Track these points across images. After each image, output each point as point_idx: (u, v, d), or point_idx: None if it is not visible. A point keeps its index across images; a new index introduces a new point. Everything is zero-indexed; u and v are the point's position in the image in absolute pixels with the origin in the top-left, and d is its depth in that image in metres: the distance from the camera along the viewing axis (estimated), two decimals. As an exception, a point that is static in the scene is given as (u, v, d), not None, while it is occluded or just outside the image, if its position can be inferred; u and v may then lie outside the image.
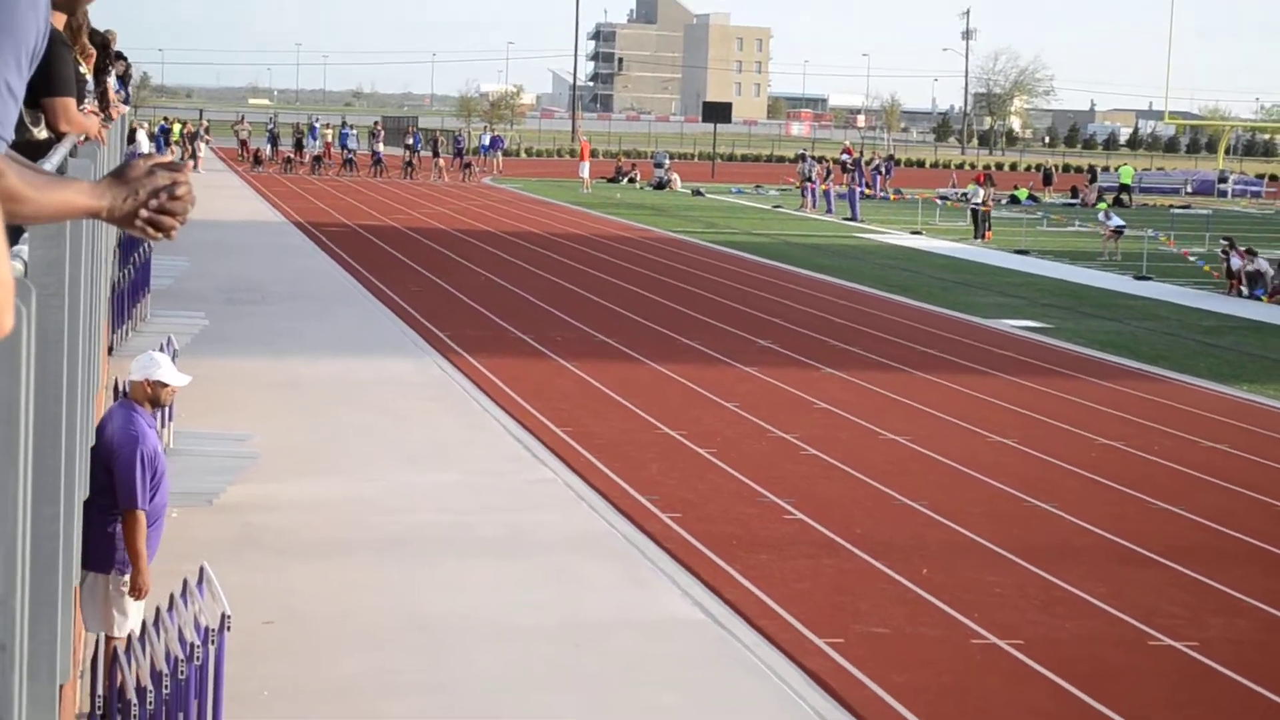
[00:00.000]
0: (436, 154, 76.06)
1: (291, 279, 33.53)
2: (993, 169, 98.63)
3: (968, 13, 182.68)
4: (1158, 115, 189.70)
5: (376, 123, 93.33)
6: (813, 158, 74.11)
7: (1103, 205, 58.87)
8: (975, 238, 52.05)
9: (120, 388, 10.09)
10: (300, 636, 11.76)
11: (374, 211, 53.01)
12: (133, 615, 9.59)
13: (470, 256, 39.62)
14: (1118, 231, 46.70)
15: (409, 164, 75.83)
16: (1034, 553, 14.55)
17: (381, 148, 78.00)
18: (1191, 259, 42.92)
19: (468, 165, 76.06)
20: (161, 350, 12.59)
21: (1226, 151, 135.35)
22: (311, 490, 16.02)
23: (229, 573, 11.12)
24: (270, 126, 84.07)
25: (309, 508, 15.32)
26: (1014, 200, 70.66)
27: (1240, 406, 22.99)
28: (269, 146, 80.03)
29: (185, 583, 9.60)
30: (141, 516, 9.41)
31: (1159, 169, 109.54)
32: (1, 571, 3.47)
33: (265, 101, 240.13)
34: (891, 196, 73.69)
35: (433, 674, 11.11)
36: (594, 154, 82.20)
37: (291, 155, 77.78)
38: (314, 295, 31.13)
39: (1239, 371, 26.18)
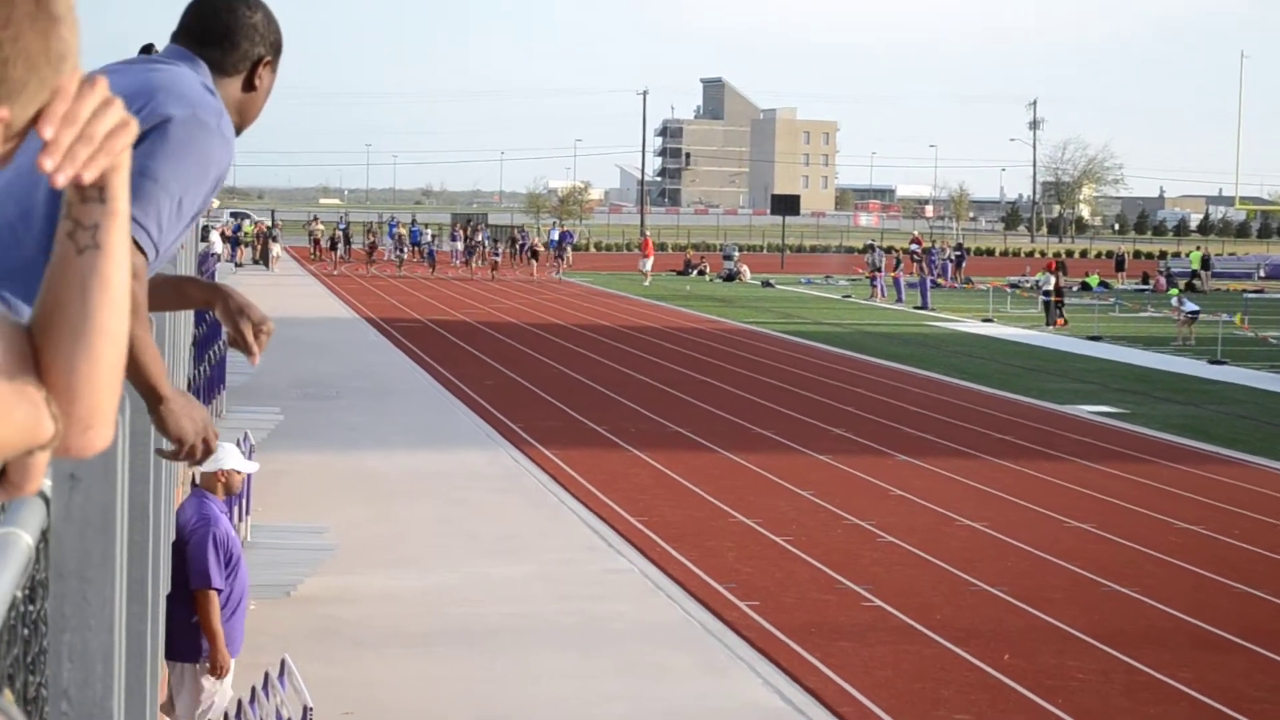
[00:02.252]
0: (514, 251, 77.14)
1: (365, 374, 33.71)
2: (1063, 256, 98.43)
3: (1035, 103, 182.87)
4: (1228, 201, 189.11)
5: (461, 225, 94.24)
6: (881, 248, 74.24)
7: (1174, 291, 58.57)
8: (1047, 324, 51.90)
9: (192, 479, 10.22)
10: (380, 727, 11.75)
11: (445, 307, 53.31)
12: (219, 703, 9.63)
13: (542, 349, 39.75)
14: (1192, 316, 46.46)
15: (473, 256, 76.79)
16: (1116, 637, 14.41)
17: (459, 245, 79.12)
18: (1274, 341, 42.65)
19: (534, 254, 76.32)
20: (238, 445, 12.69)
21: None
22: (388, 582, 16.04)
23: (308, 664, 11.13)
24: (342, 225, 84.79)
25: (386, 599, 15.34)
26: (1085, 287, 70.43)
27: (1321, 489, 22.75)
28: (350, 243, 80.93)
29: (266, 675, 9.63)
30: (214, 596, 9.50)
31: (1230, 254, 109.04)
32: (100, 674, 3.50)
33: (336, 201, 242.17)
34: (965, 286, 73.56)
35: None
36: (661, 248, 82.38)
37: (371, 251, 78.26)
38: (388, 389, 31.28)
39: (1318, 454, 25.94)
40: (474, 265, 75.69)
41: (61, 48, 1.95)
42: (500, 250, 74.88)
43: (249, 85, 4.11)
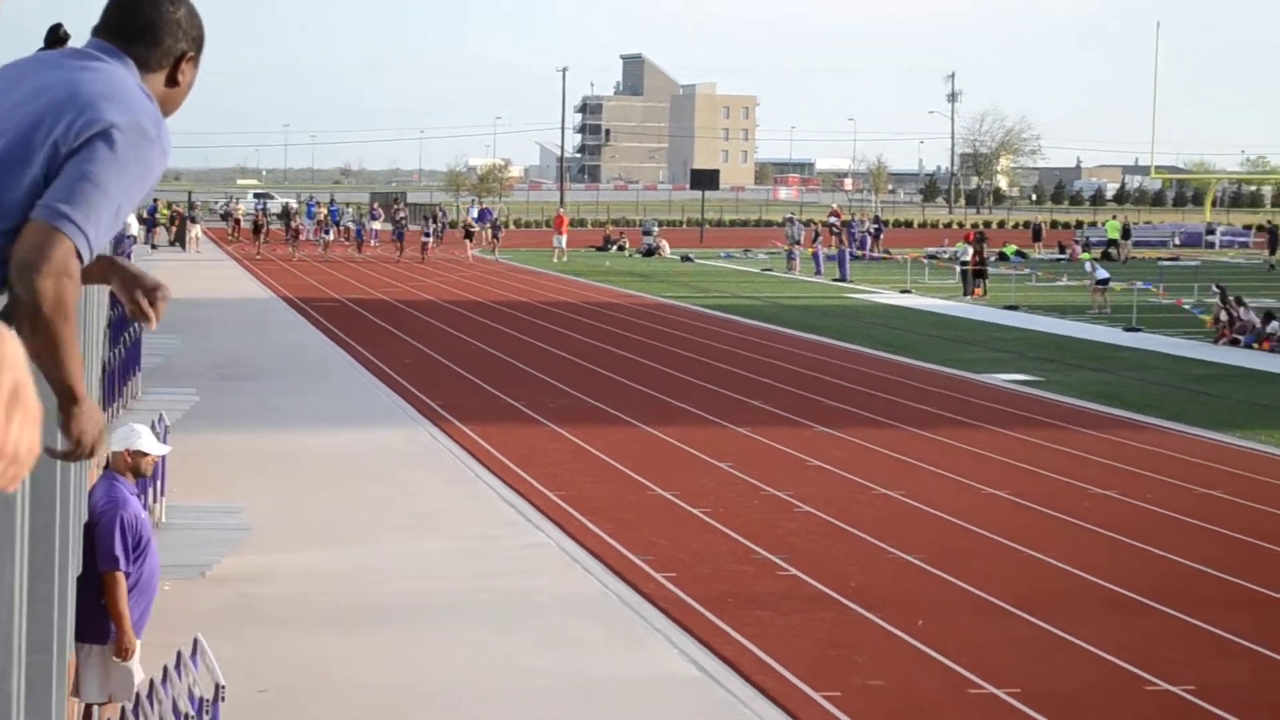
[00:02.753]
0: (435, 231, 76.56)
1: (282, 354, 33.57)
2: (981, 227, 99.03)
3: (953, 75, 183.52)
4: (1144, 171, 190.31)
5: (382, 204, 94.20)
6: (799, 220, 74.44)
7: (1086, 256, 58.95)
8: (965, 295, 52.20)
9: (106, 462, 10.16)
10: (296, 705, 11.73)
11: (363, 285, 53.10)
12: (129, 684, 9.59)
13: (460, 326, 39.67)
14: (1103, 284, 46.79)
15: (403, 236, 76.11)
16: (1030, 602, 14.53)
17: (377, 225, 78.70)
18: (1186, 307, 43.06)
19: (468, 234, 74.71)
20: (152, 427, 12.62)
21: (1213, 204, 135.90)
22: (305, 561, 16.00)
23: (223, 644, 11.09)
24: (258, 205, 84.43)
25: (303, 578, 15.30)
26: (1003, 257, 70.76)
27: (1232, 452, 23.01)
28: (278, 223, 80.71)
29: (179, 654, 9.57)
30: (121, 578, 9.46)
31: (1146, 223, 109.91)
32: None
33: (254, 181, 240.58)
34: (884, 257, 73.97)
35: (429, 738, 11.06)
36: (581, 224, 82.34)
37: (292, 232, 77.63)
38: (305, 369, 31.18)
39: (1230, 418, 26.21)
40: (403, 245, 75.03)
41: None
42: (432, 230, 73.79)
43: (171, 81, 4.10)
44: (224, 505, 17.87)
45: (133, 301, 4.07)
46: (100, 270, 4.20)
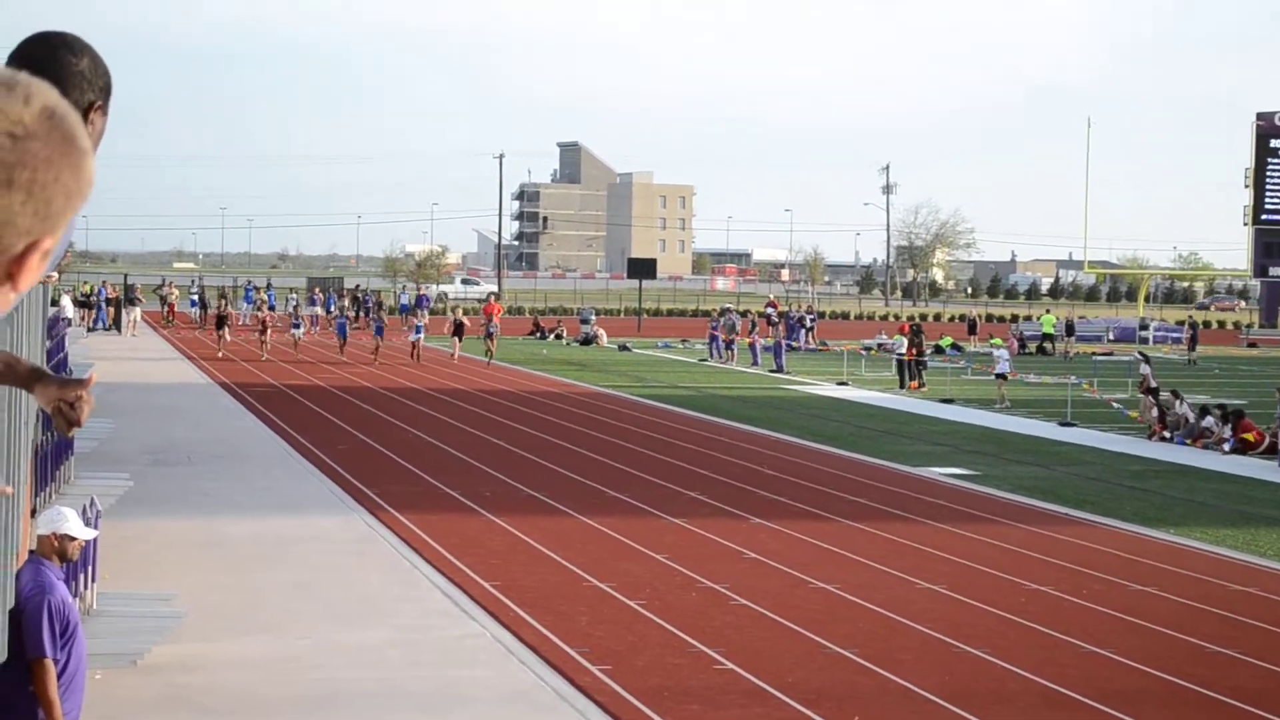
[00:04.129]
0: (362, 314, 76.65)
1: (217, 439, 33.40)
2: (917, 319, 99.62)
3: (887, 168, 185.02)
4: (1077, 265, 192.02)
5: (316, 288, 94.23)
6: (736, 311, 74.73)
7: (996, 341, 59.16)
8: (901, 387, 52.43)
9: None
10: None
11: (300, 371, 52.93)
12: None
13: (397, 414, 39.58)
14: (1001, 376, 46.83)
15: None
16: (966, 699, 14.52)
17: (319, 310, 78.78)
18: (1115, 406, 43.34)
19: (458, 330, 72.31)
20: (82, 512, 12.52)
21: (1146, 299, 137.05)
22: (238, 649, 15.86)
23: (154, 733, 10.97)
24: (194, 290, 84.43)
25: (236, 667, 15.17)
26: (938, 350, 71.21)
27: (1167, 549, 23.11)
28: (199, 309, 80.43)
29: (109, 744, 9.48)
30: (50, 665, 9.33)
31: (1081, 317, 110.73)
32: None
33: (190, 265, 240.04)
34: (820, 349, 74.36)
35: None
36: (519, 312, 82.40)
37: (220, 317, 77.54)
38: (240, 455, 31.02)
39: (1165, 514, 26.36)
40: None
41: (89, 176, 2.22)
42: (380, 317, 72.65)
43: None
44: (156, 592, 17.72)
45: (55, 407, 4.02)
46: (26, 373, 4.14)
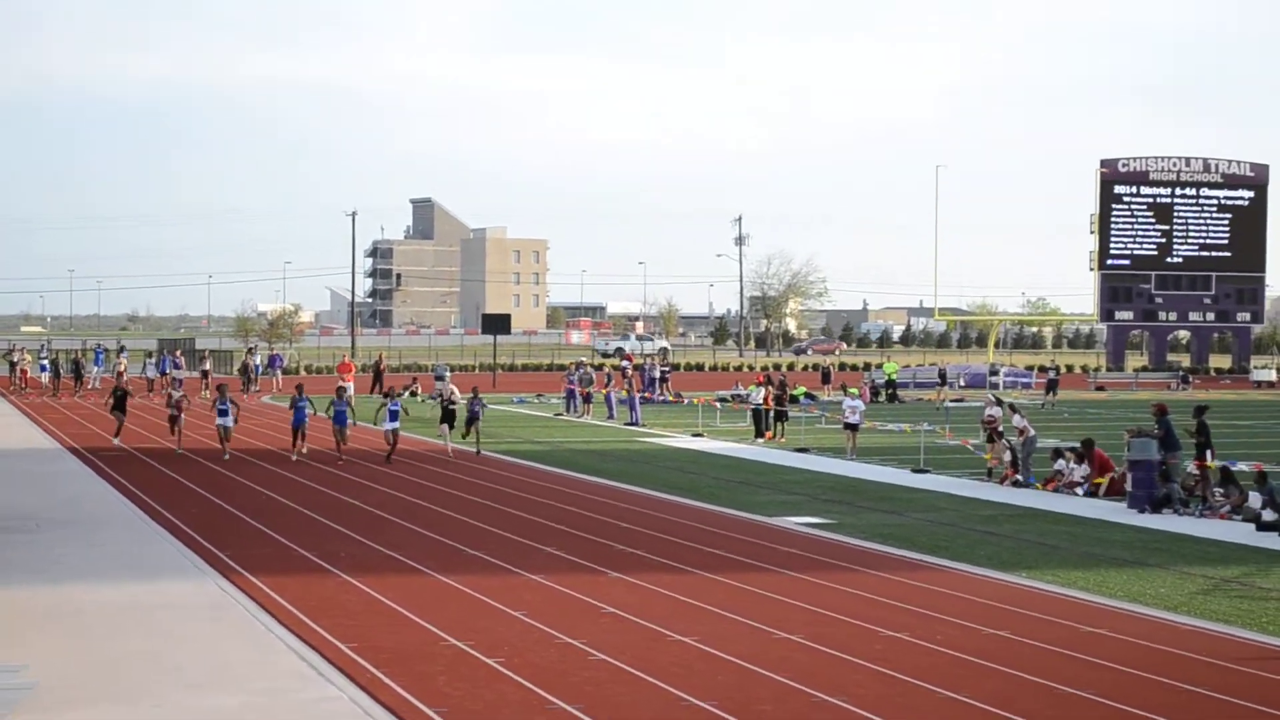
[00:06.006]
0: (205, 374, 76.51)
1: (66, 505, 32.92)
2: (770, 370, 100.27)
3: (739, 219, 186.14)
4: (928, 312, 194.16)
5: (177, 350, 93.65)
6: (590, 365, 74.87)
7: (853, 391, 59.67)
8: (756, 438, 52.69)
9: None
10: None
11: (151, 434, 52.27)
12: None
13: (250, 475, 39.20)
14: (852, 428, 46.95)
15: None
16: (824, 747, 14.57)
17: (182, 373, 78.37)
18: (970, 448, 43.80)
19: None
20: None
21: (996, 345, 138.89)
22: (89, 718, 15.59)
23: (2, 809, 10.76)
24: (44, 355, 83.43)
25: (87, 738, 14.91)
26: (792, 400, 71.66)
27: (1019, 593, 23.36)
28: (51, 373, 79.59)
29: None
30: None
31: (931, 364, 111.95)
32: None
33: (38, 329, 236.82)
34: (671, 399, 74.65)
35: None
36: (374, 369, 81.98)
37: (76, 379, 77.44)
38: (89, 520, 30.58)
39: (1017, 559, 26.64)
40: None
41: None
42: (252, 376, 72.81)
43: None
44: (5, 664, 17.41)
45: None
46: None
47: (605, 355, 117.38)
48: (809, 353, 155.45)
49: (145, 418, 60.40)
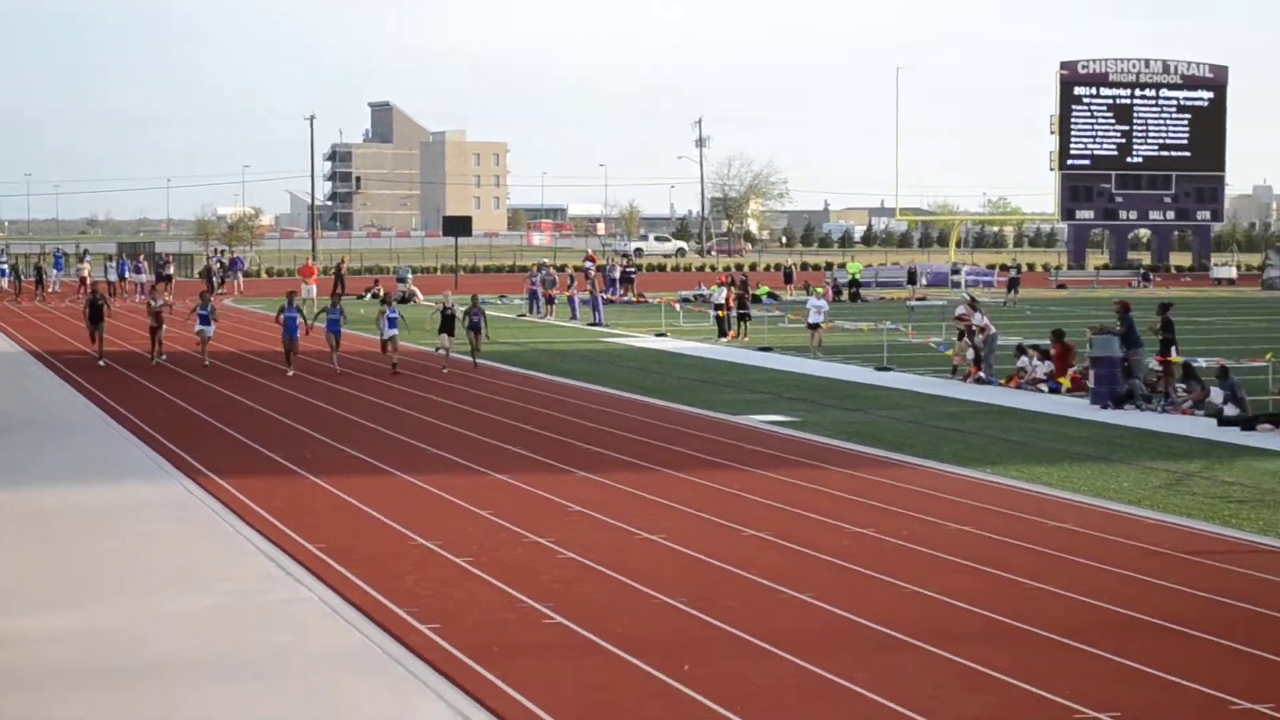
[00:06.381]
0: (160, 278, 76.33)
1: (30, 408, 32.82)
2: (733, 270, 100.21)
3: (700, 121, 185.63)
4: (889, 213, 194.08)
5: (139, 255, 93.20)
6: (551, 266, 74.72)
7: (818, 290, 59.63)
8: (719, 337, 52.72)
9: None
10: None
11: (113, 338, 52.01)
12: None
13: (213, 378, 39.07)
14: (813, 326, 47.02)
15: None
16: (792, 642, 14.65)
17: (142, 277, 77.98)
18: (933, 345, 43.93)
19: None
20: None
21: (957, 244, 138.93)
22: (57, 622, 15.59)
23: (-25, 710, 10.77)
24: (3, 259, 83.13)
25: (55, 640, 14.91)
26: (755, 299, 71.69)
27: (984, 488, 23.47)
28: (12, 278, 79.46)
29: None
30: None
31: (894, 264, 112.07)
32: None
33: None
34: (635, 299, 74.62)
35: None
36: (335, 272, 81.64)
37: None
38: (53, 424, 30.50)
39: (981, 454, 26.75)
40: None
41: None
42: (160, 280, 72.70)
43: None
44: (-28, 567, 17.37)
45: None
46: None
47: (624, 255, 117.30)
48: (713, 254, 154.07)
49: (111, 323, 60.05)
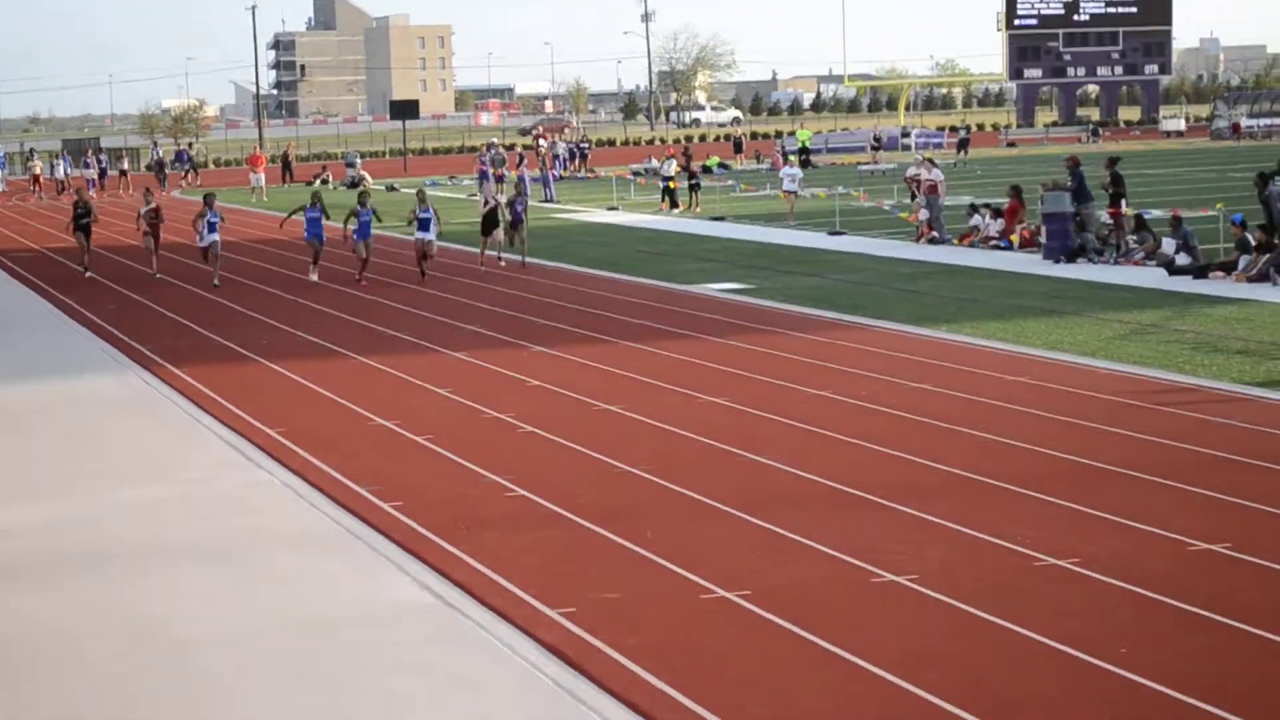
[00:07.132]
0: (124, 173, 75.67)
1: (-18, 308, 32.62)
2: (683, 141, 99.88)
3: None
4: (838, 79, 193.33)
5: (88, 150, 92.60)
6: (500, 145, 74.40)
7: (792, 158, 59.61)
8: (671, 208, 52.64)
9: None
10: (21, 662, 11.43)
11: (60, 234, 51.66)
12: None
13: (165, 270, 38.79)
14: (791, 192, 47.18)
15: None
16: (755, 505, 14.72)
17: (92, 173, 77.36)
18: (886, 208, 43.95)
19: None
20: None
21: (907, 108, 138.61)
22: (21, 514, 15.57)
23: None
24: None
25: (19, 533, 14.89)
26: (706, 170, 71.55)
27: (940, 346, 23.55)
28: None
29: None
30: None
31: (844, 129, 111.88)
32: None
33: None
34: (587, 175, 74.48)
35: (163, 683, 10.86)
36: (283, 159, 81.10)
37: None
38: (5, 320, 30.33)
39: (936, 314, 26.83)
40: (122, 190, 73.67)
41: None
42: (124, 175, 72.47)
43: None
44: (-69, 465, 17.33)
45: None
46: None
47: (683, 125, 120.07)
48: (538, 129, 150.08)
49: (55, 217, 59.68)
